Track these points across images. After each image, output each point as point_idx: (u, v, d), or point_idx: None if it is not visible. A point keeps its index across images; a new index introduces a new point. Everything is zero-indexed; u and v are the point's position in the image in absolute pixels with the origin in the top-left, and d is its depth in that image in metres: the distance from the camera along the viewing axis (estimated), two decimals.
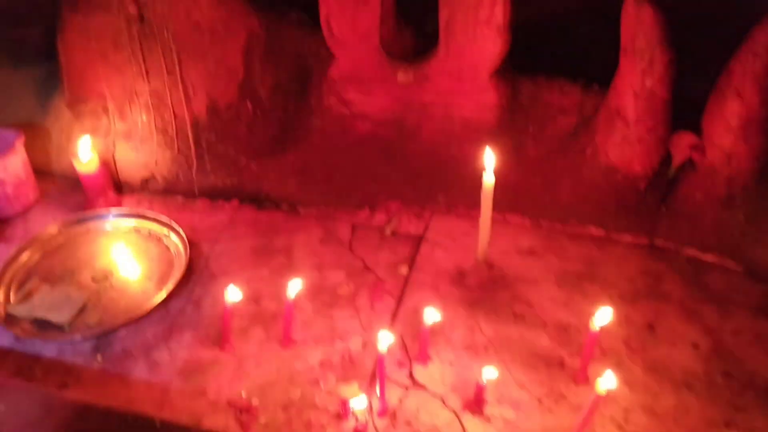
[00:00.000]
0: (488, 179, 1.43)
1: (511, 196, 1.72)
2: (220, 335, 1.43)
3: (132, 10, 1.58)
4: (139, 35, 1.63)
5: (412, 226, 1.72)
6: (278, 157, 1.82)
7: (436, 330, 1.39)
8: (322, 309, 1.51)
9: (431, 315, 1.32)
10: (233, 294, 1.37)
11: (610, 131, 1.65)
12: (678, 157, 1.65)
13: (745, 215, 1.59)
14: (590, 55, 1.81)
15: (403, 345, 1.42)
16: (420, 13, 1.81)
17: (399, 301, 1.52)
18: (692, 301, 1.50)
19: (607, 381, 1.16)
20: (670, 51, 1.53)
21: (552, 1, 1.96)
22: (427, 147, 1.83)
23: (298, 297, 1.41)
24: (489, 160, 1.43)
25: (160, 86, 1.71)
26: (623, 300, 1.50)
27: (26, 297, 1.52)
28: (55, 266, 1.62)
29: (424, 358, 1.39)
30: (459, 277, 1.59)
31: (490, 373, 1.25)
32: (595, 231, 1.67)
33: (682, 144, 1.63)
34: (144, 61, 1.67)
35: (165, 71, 1.68)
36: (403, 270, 1.60)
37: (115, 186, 1.82)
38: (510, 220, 1.73)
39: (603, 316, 1.29)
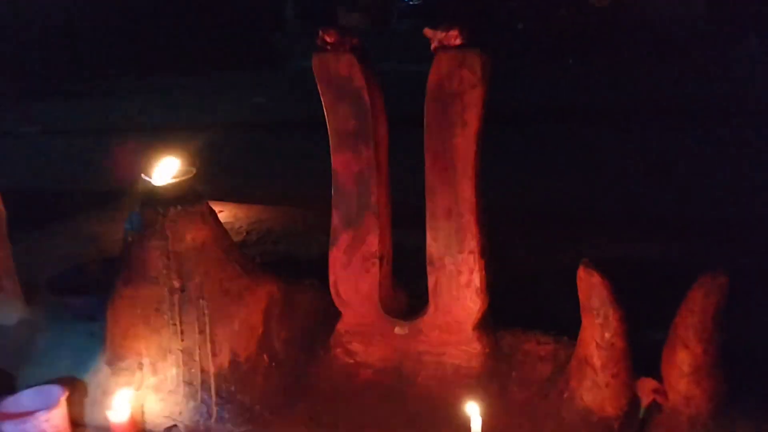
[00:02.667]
0: (475, 429, 1.63)
1: None
2: None
3: (176, 283, 1.93)
4: (179, 302, 1.96)
5: None
6: (290, 405, 2.02)
7: None
8: None
9: None
10: None
11: (581, 377, 1.89)
12: (645, 400, 1.86)
13: None
14: (557, 308, 2.13)
15: None
16: (412, 277, 2.17)
17: None
18: None
19: None
20: (620, 308, 1.84)
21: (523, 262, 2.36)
22: (423, 391, 2.05)
23: None
24: (474, 413, 1.64)
25: (191, 344, 1.99)
26: None
27: None
28: None
29: None
30: None
31: None
32: None
33: (646, 388, 1.86)
34: (180, 323, 1.97)
35: (197, 331, 1.98)
36: None
37: None
38: None
39: None
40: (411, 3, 11.27)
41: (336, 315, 2.15)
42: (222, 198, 3.55)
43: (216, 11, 8.92)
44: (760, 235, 2.75)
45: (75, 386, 2.10)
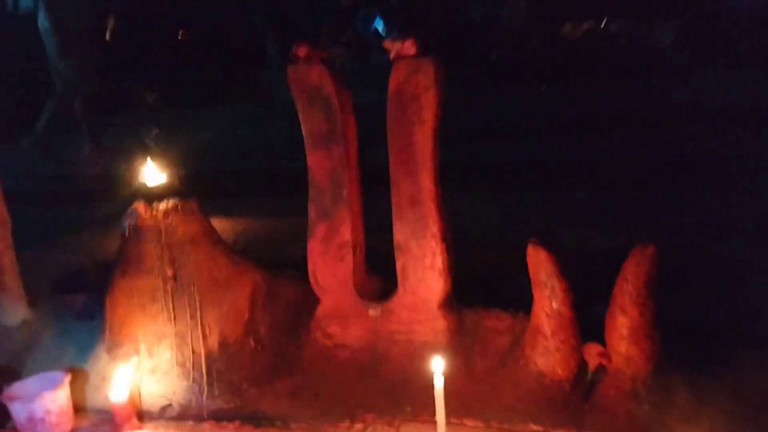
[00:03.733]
0: (438, 383, 1.84)
1: (465, 403, 2.10)
2: None
3: (169, 272, 2.14)
4: (172, 290, 2.17)
5: None
6: (274, 382, 2.22)
7: None
8: None
9: None
10: None
11: (534, 344, 2.11)
12: (591, 363, 2.08)
13: (649, 405, 1.97)
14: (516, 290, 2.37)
15: None
16: (383, 264, 2.39)
17: None
18: None
19: None
20: (565, 280, 2.07)
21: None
22: (395, 366, 2.25)
23: None
24: (438, 366, 1.85)
25: (184, 328, 2.19)
26: None
27: None
28: None
29: None
30: None
31: None
32: (534, 427, 2.03)
33: (592, 352, 2.08)
34: (173, 309, 2.17)
35: (188, 316, 2.18)
36: None
37: (138, 414, 2.18)
38: (466, 423, 2.08)
39: None
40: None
41: (315, 303, 2.36)
42: (210, 214, 3.77)
43: (202, 49, 9.27)
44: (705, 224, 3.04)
45: (76, 374, 2.28)
